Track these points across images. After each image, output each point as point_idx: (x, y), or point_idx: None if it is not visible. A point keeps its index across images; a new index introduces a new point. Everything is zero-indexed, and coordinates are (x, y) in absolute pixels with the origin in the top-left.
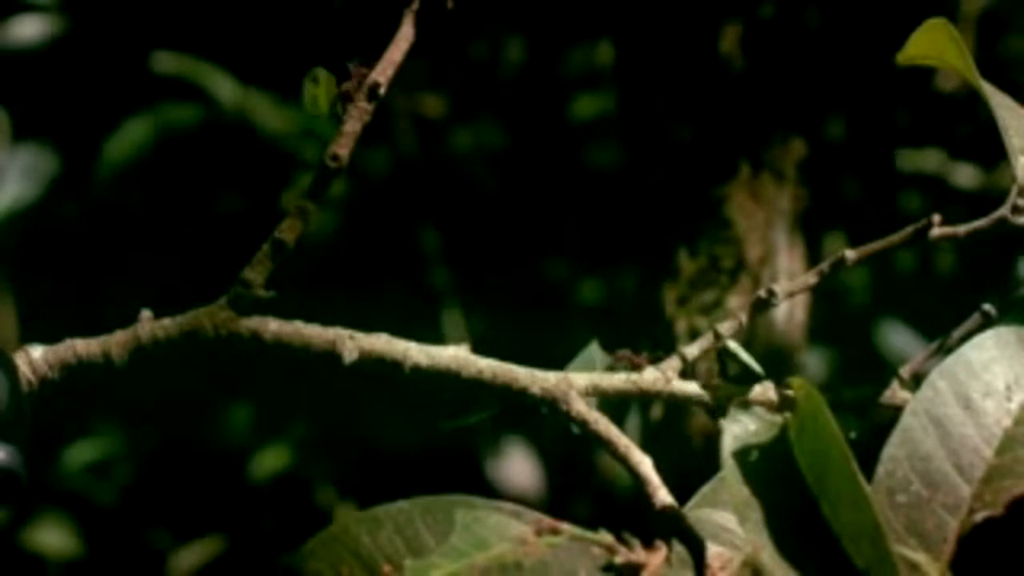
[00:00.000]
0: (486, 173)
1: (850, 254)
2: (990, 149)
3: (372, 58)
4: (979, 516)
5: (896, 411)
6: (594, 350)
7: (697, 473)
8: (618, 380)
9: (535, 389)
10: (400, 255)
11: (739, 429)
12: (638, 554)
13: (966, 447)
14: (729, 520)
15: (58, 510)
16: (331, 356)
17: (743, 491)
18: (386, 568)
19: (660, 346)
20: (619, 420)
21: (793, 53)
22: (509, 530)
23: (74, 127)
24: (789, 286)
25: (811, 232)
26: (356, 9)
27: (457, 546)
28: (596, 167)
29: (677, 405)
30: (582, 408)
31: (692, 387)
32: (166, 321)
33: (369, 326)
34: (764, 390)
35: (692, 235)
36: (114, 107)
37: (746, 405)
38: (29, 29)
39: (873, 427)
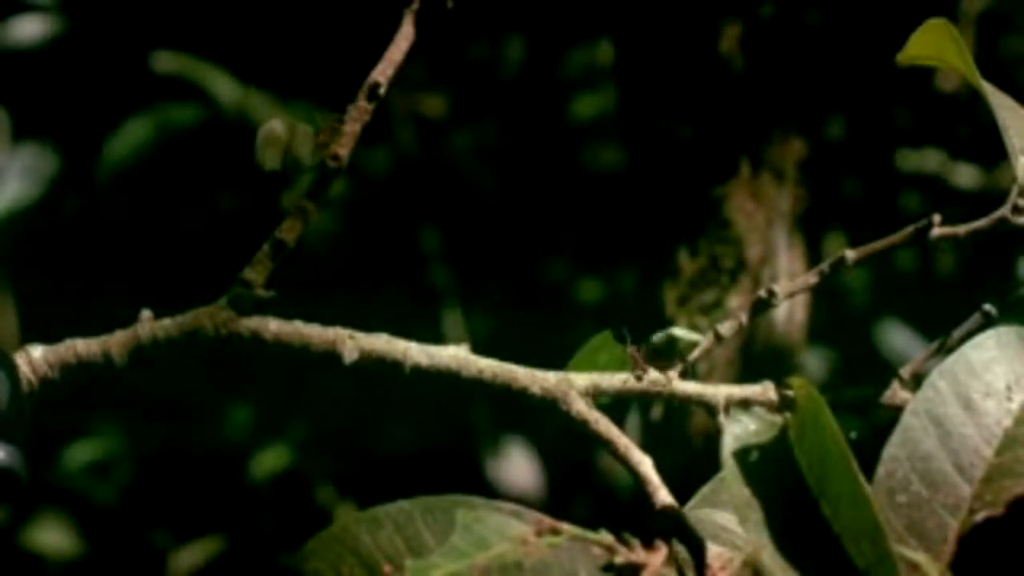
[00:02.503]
0: (486, 173)
1: (850, 254)
2: (990, 149)
3: (372, 58)
4: (979, 516)
5: (896, 411)
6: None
7: (697, 473)
8: (618, 380)
9: (535, 389)
10: (400, 255)
11: (739, 429)
12: (638, 554)
13: (966, 447)
14: (729, 520)
15: (58, 510)
16: (331, 356)
17: (743, 491)
18: (386, 568)
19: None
20: (619, 420)
21: (793, 53)
22: (509, 530)
23: (74, 127)
24: (789, 286)
25: (811, 232)
26: (356, 9)
27: (458, 546)
28: (596, 167)
29: (677, 405)
30: (582, 408)
31: (692, 387)
32: (166, 321)
33: (369, 326)
34: (764, 390)
35: (692, 235)
36: (114, 107)
37: (746, 405)
38: (29, 29)
39: (873, 427)
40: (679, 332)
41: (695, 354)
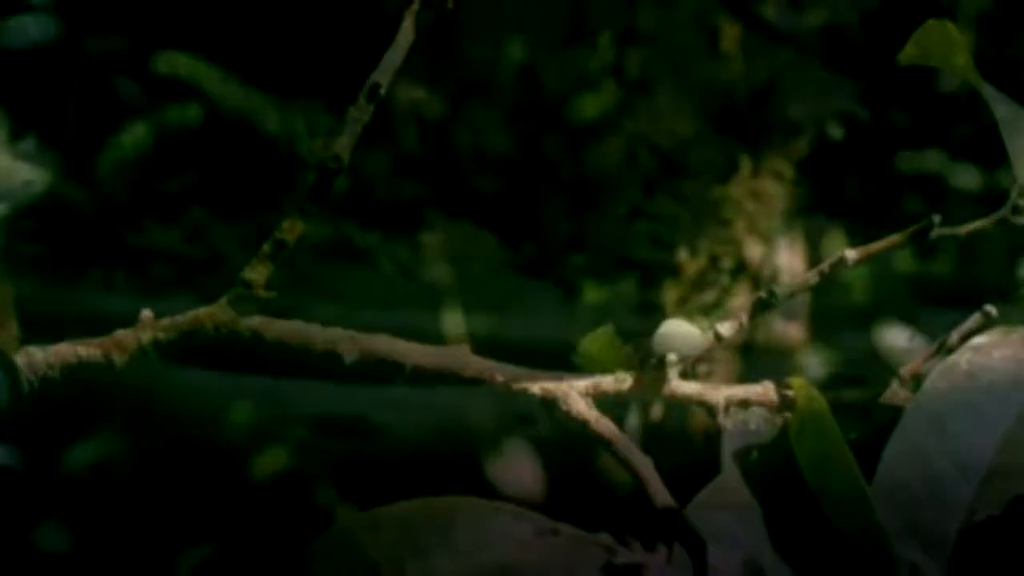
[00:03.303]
0: (486, 173)
1: (850, 254)
2: (990, 149)
3: (372, 58)
4: (979, 516)
5: (896, 411)
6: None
7: (697, 473)
8: (618, 380)
9: (535, 389)
10: (400, 255)
11: (739, 429)
12: (638, 554)
13: (966, 447)
14: (729, 520)
15: (58, 510)
16: (331, 356)
17: (743, 491)
18: (387, 568)
19: None
20: (619, 420)
21: (792, 53)
22: (510, 531)
23: (74, 127)
24: (789, 286)
25: (811, 232)
26: (356, 9)
27: (457, 546)
28: (596, 167)
29: (677, 405)
30: (582, 408)
31: (692, 387)
32: (166, 321)
33: (369, 326)
34: (764, 390)
35: (692, 235)
36: (114, 107)
37: (746, 405)
38: (29, 29)
39: (873, 427)
40: (676, 330)
41: (695, 353)
